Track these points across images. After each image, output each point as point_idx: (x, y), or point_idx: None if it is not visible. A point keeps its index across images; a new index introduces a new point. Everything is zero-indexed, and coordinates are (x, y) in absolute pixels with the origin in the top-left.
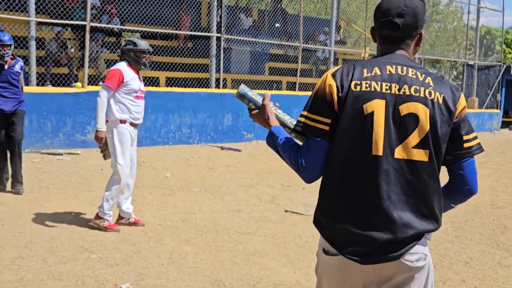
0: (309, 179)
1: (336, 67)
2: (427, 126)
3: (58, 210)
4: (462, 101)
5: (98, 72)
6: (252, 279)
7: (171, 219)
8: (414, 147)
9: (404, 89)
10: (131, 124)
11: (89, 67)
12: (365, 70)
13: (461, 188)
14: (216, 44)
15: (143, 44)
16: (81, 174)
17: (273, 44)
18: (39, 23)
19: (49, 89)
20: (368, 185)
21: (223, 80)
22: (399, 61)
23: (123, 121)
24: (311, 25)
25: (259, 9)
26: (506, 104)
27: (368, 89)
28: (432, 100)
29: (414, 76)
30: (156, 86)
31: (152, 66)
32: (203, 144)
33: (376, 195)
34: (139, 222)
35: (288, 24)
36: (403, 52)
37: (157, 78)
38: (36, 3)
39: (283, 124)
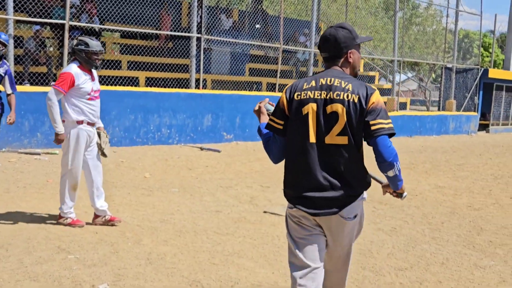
0: (274, 162)
1: (291, 83)
2: (344, 120)
3: (35, 210)
4: (373, 98)
5: None
6: (230, 280)
7: (150, 219)
8: (338, 135)
9: (330, 94)
10: (89, 123)
11: None
12: (305, 84)
13: (377, 158)
14: (196, 45)
15: (95, 45)
16: (59, 174)
17: (254, 45)
18: (17, 21)
19: (27, 88)
20: (308, 162)
21: (203, 81)
22: (331, 75)
23: (80, 122)
24: (291, 27)
25: (239, 10)
26: (484, 107)
27: (305, 97)
28: (348, 101)
29: (339, 84)
30: (135, 86)
31: (132, 66)
32: (182, 145)
33: (314, 169)
34: (115, 219)
35: (268, 25)
36: (336, 68)
37: (137, 78)
38: (14, 1)
39: None
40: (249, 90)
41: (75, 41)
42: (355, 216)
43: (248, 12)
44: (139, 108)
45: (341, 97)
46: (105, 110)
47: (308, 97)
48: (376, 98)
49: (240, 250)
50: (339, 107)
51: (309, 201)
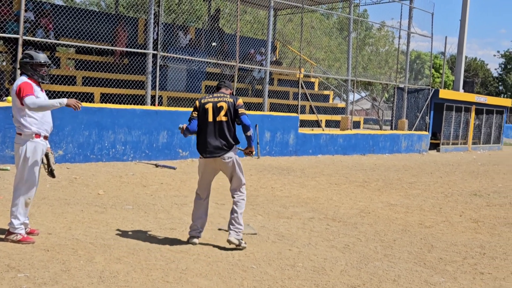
0: (192, 132)
1: (203, 96)
2: (226, 109)
3: None
4: (239, 102)
5: None
6: None
7: (103, 237)
8: (224, 116)
9: (219, 100)
10: (44, 137)
11: None
12: (207, 97)
13: (243, 128)
14: (153, 61)
15: (41, 57)
16: (10, 191)
17: (210, 62)
18: None
19: None
20: (207, 131)
21: (159, 98)
22: (220, 93)
23: (38, 136)
24: (247, 45)
25: (196, 28)
26: (434, 127)
27: (206, 101)
28: (227, 101)
29: (222, 95)
30: (90, 102)
31: (87, 81)
32: (137, 161)
33: (210, 134)
34: (34, 232)
35: (224, 43)
36: (223, 90)
37: (92, 93)
38: None
39: None
40: None
41: (20, 55)
42: (229, 158)
43: (204, 30)
44: (93, 124)
45: (224, 100)
46: (59, 126)
47: (208, 101)
48: (240, 101)
49: (194, 268)
50: (223, 104)
51: (208, 152)
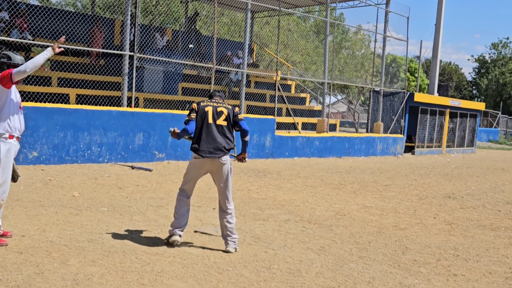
0: (190, 133)
1: (201, 100)
2: (226, 114)
3: None
4: (236, 109)
5: None
6: None
7: (78, 239)
8: (223, 120)
9: (218, 105)
10: (17, 138)
11: None
12: (205, 101)
13: (242, 133)
14: (129, 63)
15: (19, 58)
16: None
17: (187, 64)
18: None
19: None
20: (207, 132)
21: (135, 99)
22: (216, 100)
23: (11, 137)
24: (224, 47)
25: (173, 30)
26: (409, 130)
27: (206, 105)
28: (227, 108)
29: (221, 102)
30: (65, 103)
31: (62, 82)
32: (113, 163)
33: (210, 135)
34: (7, 234)
35: (202, 45)
36: (218, 99)
37: (67, 95)
38: None
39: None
40: (181, 109)
41: None
42: (226, 160)
43: (181, 31)
44: (69, 125)
45: (224, 107)
46: (34, 127)
47: (207, 104)
48: (237, 109)
49: (169, 270)
50: (223, 109)
51: (208, 153)
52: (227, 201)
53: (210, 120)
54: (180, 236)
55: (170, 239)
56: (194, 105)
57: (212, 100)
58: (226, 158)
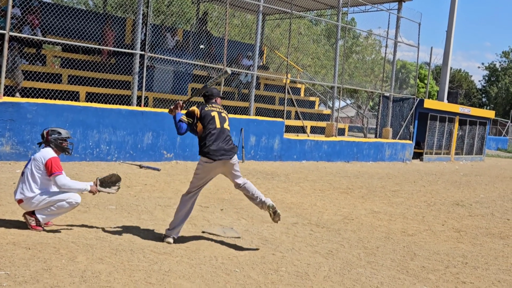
0: (181, 132)
1: (201, 103)
2: (228, 119)
3: None
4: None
5: (15, 83)
6: None
7: (86, 236)
8: (227, 125)
9: (221, 111)
10: None
11: (6, 78)
12: (208, 106)
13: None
14: (140, 62)
15: (64, 132)
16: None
17: (197, 65)
18: None
19: None
20: (218, 136)
21: (144, 98)
22: (217, 104)
23: None
24: (235, 49)
25: (184, 30)
26: (418, 136)
27: (211, 109)
28: (226, 114)
29: (222, 109)
30: (75, 100)
31: (73, 80)
32: (121, 162)
33: (221, 138)
34: (48, 223)
35: (212, 46)
36: (218, 101)
37: (77, 92)
38: None
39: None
40: None
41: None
42: (236, 160)
43: (192, 32)
44: (78, 123)
45: (224, 113)
46: (43, 123)
47: (211, 109)
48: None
49: (177, 270)
50: (225, 116)
51: (220, 155)
52: (240, 178)
53: (218, 125)
54: (174, 239)
55: (165, 239)
56: (196, 111)
57: (214, 105)
58: (235, 158)
